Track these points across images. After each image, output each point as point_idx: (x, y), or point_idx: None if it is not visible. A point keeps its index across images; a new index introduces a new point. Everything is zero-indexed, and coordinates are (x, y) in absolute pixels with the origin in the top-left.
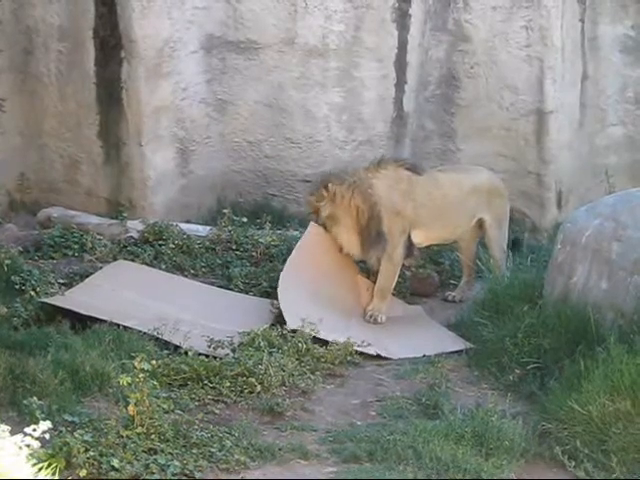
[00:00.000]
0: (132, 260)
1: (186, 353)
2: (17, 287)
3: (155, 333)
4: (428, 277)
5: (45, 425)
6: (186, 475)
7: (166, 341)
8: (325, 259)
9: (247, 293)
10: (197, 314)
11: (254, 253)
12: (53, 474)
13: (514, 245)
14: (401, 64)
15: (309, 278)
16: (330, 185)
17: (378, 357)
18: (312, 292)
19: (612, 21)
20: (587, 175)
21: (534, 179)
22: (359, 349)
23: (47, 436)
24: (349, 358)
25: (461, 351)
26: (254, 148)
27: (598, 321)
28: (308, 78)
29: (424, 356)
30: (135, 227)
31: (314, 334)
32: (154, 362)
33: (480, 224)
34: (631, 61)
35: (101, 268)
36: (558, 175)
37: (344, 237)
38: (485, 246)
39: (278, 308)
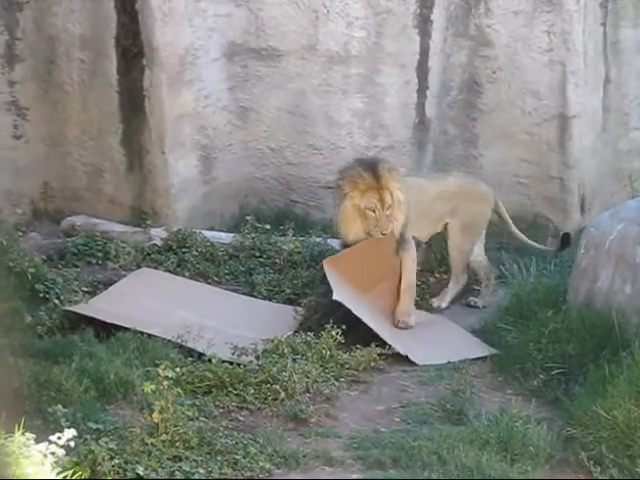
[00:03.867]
0: (156, 268)
1: (210, 360)
2: (41, 295)
3: (179, 340)
4: None
5: (70, 433)
6: None
7: (190, 348)
8: (376, 262)
9: (270, 300)
10: (221, 321)
11: (277, 260)
12: None
13: (563, 242)
14: (423, 70)
15: (351, 276)
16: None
17: (403, 362)
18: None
19: (634, 25)
20: (610, 179)
21: (557, 184)
22: (389, 345)
23: (72, 444)
24: (373, 364)
25: (485, 357)
26: (276, 155)
27: (622, 326)
28: (330, 85)
29: (448, 362)
30: (158, 235)
31: (353, 312)
32: (178, 369)
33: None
34: None
35: (125, 276)
36: (581, 180)
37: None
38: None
39: (302, 315)
